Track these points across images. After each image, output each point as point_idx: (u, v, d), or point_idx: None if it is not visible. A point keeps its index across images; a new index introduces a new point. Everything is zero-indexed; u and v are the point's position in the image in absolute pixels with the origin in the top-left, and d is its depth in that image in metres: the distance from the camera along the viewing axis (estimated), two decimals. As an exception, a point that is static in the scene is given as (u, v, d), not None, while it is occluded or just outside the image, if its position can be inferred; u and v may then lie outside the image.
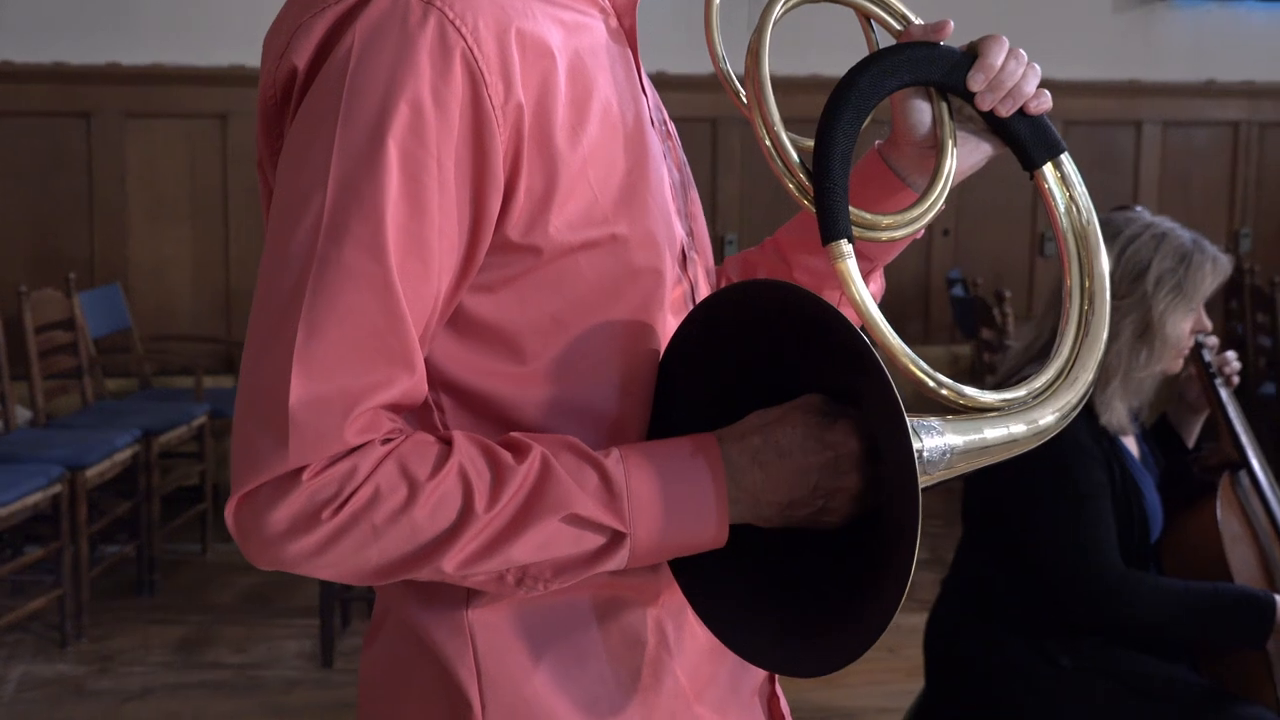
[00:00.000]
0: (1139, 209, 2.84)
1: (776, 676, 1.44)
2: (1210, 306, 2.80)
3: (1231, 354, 2.96)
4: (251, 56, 6.69)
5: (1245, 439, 2.93)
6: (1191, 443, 3.04)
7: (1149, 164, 7.61)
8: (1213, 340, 2.90)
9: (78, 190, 6.70)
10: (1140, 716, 2.66)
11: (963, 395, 1.26)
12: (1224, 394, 2.93)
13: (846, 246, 1.25)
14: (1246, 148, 7.72)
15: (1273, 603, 2.65)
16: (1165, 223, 2.77)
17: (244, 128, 6.77)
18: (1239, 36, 7.66)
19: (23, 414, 5.78)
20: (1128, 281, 2.70)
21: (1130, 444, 2.81)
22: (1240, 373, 2.99)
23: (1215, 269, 2.72)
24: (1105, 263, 1.37)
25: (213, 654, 4.88)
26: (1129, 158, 7.58)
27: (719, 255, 6.59)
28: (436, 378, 1.22)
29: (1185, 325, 2.72)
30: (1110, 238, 2.67)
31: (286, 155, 1.16)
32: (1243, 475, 2.92)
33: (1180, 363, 2.77)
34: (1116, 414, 2.71)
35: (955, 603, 2.84)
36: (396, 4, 1.14)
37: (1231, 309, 7.05)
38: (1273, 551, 2.88)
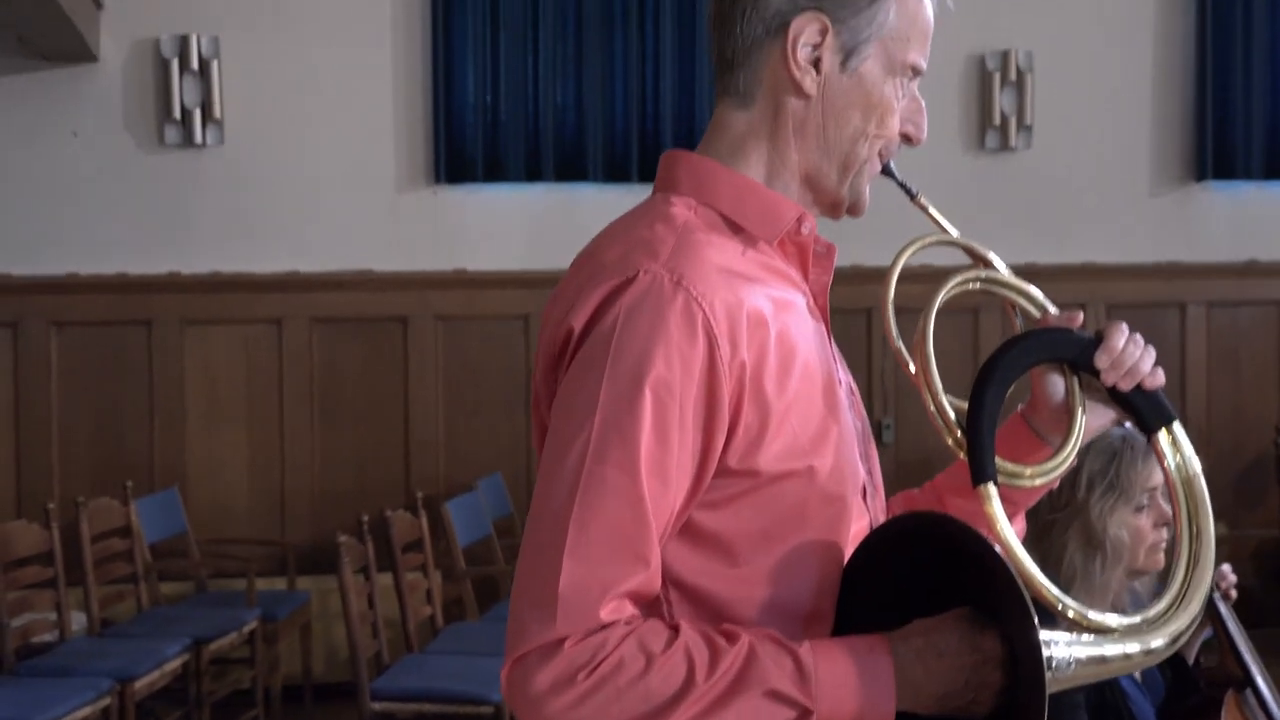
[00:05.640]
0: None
1: None
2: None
3: (1226, 567, 2.95)
4: (303, 263, 6.94)
5: (1248, 656, 2.91)
6: (1191, 659, 3.01)
7: (1195, 345, 7.61)
8: None
9: (138, 396, 6.89)
10: None
11: (1086, 618, 1.54)
12: (1223, 609, 2.91)
13: (992, 489, 1.55)
14: (1294, 326, 7.72)
15: None
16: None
17: (298, 331, 6.97)
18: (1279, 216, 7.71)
19: (79, 619, 5.89)
20: (1064, 492, 2.71)
21: None
22: None
23: (1149, 457, 2.71)
24: (1209, 509, 1.65)
25: None
26: (1175, 339, 7.59)
27: (876, 437, 6.63)
28: (667, 575, 1.49)
29: (1136, 521, 2.70)
30: None
31: (563, 393, 1.49)
32: (1249, 694, 2.90)
33: (1160, 558, 2.75)
34: None
35: None
36: (654, 282, 1.47)
37: (1284, 492, 7.00)
38: (1284, 773, 2.84)
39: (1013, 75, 7.31)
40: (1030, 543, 2.68)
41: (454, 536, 5.91)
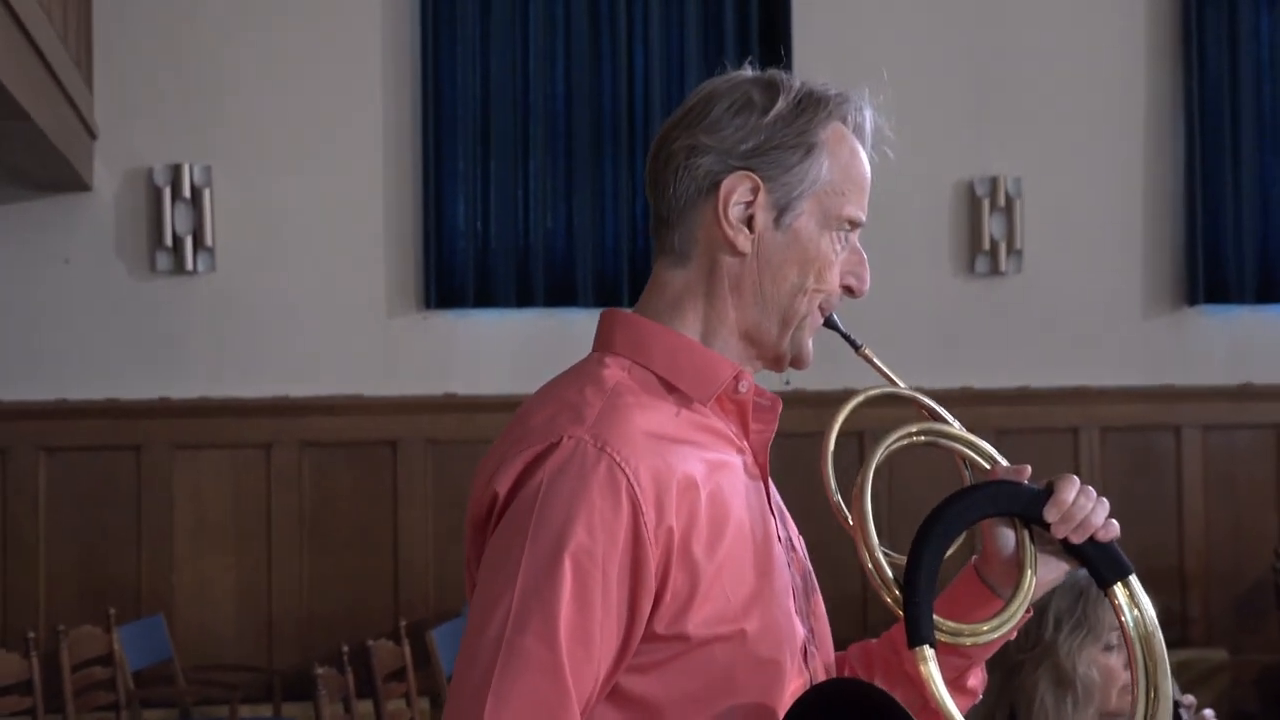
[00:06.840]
0: None
1: None
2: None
3: (1209, 713, 2.89)
4: (293, 388, 6.91)
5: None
6: None
7: (1191, 468, 7.56)
8: (1189, 699, 2.84)
9: (126, 522, 6.84)
10: None
11: None
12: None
13: (929, 651, 1.53)
14: (1291, 449, 7.68)
15: None
16: None
17: (287, 456, 6.93)
18: (1273, 339, 7.70)
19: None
20: (1032, 632, 2.67)
21: None
22: None
23: None
24: (1168, 668, 1.61)
25: None
26: (1170, 462, 7.54)
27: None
28: None
29: (1106, 660, 2.67)
30: None
31: (486, 560, 1.50)
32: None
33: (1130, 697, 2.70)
34: None
35: None
36: (578, 448, 1.48)
37: (1282, 618, 6.91)
38: None
39: (1002, 201, 7.34)
40: (1000, 683, 2.66)
41: (439, 663, 5.82)
